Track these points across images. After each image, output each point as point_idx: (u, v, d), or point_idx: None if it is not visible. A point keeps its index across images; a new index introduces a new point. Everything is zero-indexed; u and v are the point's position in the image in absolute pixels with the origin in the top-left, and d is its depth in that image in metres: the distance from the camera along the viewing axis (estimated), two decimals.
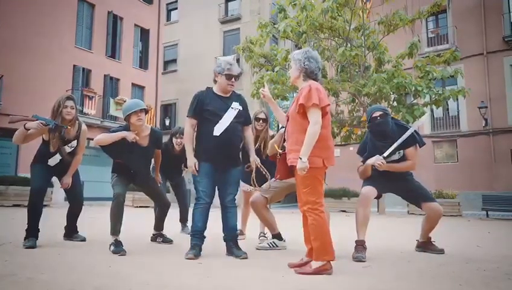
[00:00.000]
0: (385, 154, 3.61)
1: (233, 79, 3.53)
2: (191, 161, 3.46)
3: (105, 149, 3.80)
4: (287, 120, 3.05)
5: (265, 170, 3.77)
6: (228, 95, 3.60)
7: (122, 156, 3.82)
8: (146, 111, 3.90)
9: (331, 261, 2.79)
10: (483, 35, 17.41)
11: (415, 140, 3.69)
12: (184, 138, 3.68)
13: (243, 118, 3.61)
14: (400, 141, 3.61)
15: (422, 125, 16.05)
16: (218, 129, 3.43)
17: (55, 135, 3.81)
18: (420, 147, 3.75)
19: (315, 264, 2.77)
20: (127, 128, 3.84)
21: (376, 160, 3.61)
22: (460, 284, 2.53)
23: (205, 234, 3.53)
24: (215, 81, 3.62)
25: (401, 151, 3.68)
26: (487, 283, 2.60)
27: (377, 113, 3.69)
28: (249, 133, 3.77)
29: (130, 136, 3.72)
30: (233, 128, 3.49)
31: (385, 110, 3.71)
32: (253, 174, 3.71)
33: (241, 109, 3.59)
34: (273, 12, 12.81)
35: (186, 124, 3.57)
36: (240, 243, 3.66)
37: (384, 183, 3.74)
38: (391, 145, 3.64)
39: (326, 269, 2.76)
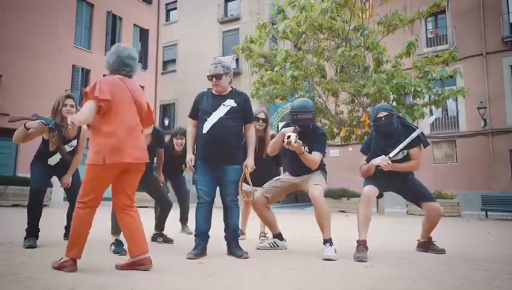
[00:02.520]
0: (391, 155, 3.60)
1: (214, 79, 3.53)
2: (189, 157, 3.54)
3: None
4: None
5: (251, 182, 3.74)
6: (225, 94, 3.58)
7: None
8: None
9: (76, 260, 2.74)
10: (482, 36, 17.43)
11: (420, 140, 3.68)
12: (186, 137, 3.77)
13: (237, 114, 3.52)
14: (406, 142, 3.60)
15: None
16: (206, 127, 3.45)
17: (54, 134, 3.80)
18: (425, 147, 3.74)
19: (63, 259, 2.75)
20: None
21: (382, 161, 3.59)
22: (462, 284, 2.53)
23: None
24: None
25: (405, 151, 3.68)
26: (488, 282, 2.60)
27: (382, 114, 3.65)
28: (251, 133, 3.67)
29: None
30: (223, 125, 3.43)
31: (390, 111, 3.67)
32: (248, 177, 3.67)
33: (235, 105, 3.52)
34: (273, 13, 12.82)
35: (188, 124, 3.70)
36: (241, 243, 3.65)
37: (385, 183, 3.73)
38: (395, 145, 3.63)
39: (66, 266, 2.70)
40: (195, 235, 3.49)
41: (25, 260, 3.04)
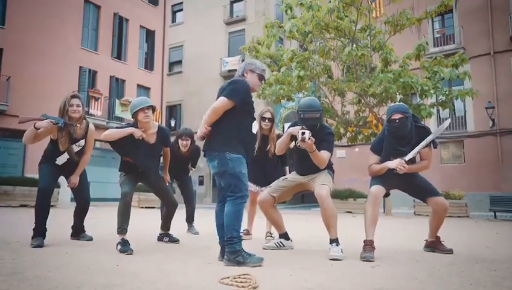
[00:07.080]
0: (406, 158, 3.56)
1: (262, 81, 3.40)
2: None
3: (112, 145, 3.83)
4: None
5: None
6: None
7: (130, 153, 3.83)
8: (153, 108, 3.91)
9: None
10: (490, 35, 17.28)
11: (431, 141, 3.66)
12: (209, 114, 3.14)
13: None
14: (421, 145, 3.57)
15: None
16: (254, 127, 3.39)
17: (63, 134, 3.83)
18: (435, 148, 3.72)
19: None
20: (134, 125, 3.87)
21: (399, 164, 3.54)
22: (470, 284, 2.50)
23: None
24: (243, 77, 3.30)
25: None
26: (498, 282, 2.56)
27: (397, 116, 3.57)
28: None
29: (137, 132, 3.75)
30: None
31: (406, 113, 3.58)
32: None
33: None
34: (282, 10, 12.71)
35: (220, 103, 3.08)
36: (247, 242, 3.65)
37: (391, 180, 3.70)
38: (407, 144, 3.61)
39: None
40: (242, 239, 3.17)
41: (33, 259, 3.06)
